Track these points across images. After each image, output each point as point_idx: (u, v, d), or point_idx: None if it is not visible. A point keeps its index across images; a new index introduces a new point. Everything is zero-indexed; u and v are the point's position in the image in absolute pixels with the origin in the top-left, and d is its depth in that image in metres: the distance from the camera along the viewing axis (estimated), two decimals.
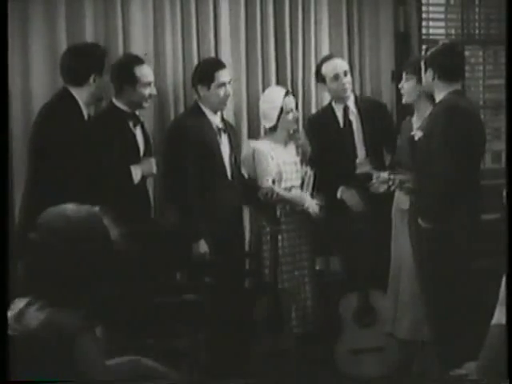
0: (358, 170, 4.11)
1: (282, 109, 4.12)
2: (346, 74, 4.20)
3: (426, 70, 3.66)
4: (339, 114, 4.25)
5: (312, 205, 4.11)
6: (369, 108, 4.25)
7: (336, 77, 4.17)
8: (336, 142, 4.22)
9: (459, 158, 3.51)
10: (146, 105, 3.85)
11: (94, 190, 3.39)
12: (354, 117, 4.24)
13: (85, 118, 3.58)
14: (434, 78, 3.63)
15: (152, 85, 3.84)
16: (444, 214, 3.53)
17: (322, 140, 4.24)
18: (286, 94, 4.14)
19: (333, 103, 4.28)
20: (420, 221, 3.56)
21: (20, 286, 2.07)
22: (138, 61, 3.85)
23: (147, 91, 3.80)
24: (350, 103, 4.26)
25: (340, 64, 4.22)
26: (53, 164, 3.40)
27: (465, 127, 3.55)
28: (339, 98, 4.24)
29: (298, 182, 4.18)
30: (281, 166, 4.15)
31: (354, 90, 4.32)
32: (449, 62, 3.66)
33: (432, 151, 3.52)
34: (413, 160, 3.72)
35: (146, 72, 3.82)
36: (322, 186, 4.21)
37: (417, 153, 3.68)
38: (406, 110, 4.11)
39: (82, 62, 3.56)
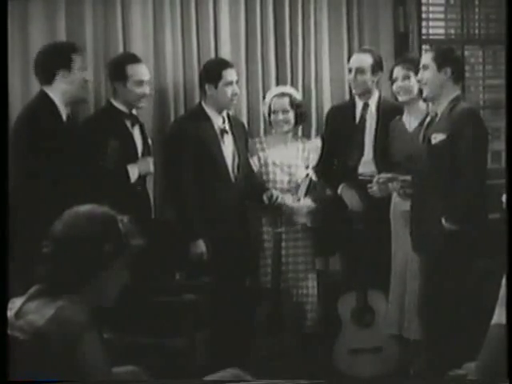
0: (361, 169, 4.11)
1: (269, 108, 4.14)
2: (365, 71, 4.12)
3: (441, 66, 3.62)
4: (358, 109, 4.22)
5: (303, 214, 4.12)
6: (388, 110, 4.15)
7: (359, 70, 4.13)
8: (347, 136, 4.19)
9: (485, 161, 3.58)
10: (141, 104, 3.83)
11: (87, 190, 3.40)
12: (370, 115, 4.19)
13: (63, 119, 3.52)
14: (450, 77, 3.61)
15: (144, 84, 3.80)
16: (473, 215, 3.52)
17: (335, 131, 4.24)
18: (280, 95, 4.15)
19: (356, 98, 4.24)
20: (444, 222, 3.54)
21: (21, 284, 2.08)
22: (131, 59, 3.85)
23: (139, 90, 3.79)
24: (372, 102, 4.20)
25: (363, 59, 4.15)
26: (32, 167, 3.36)
27: (486, 131, 3.64)
28: (358, 93, 4.19)
29: (287, 186, 4.17)
30: (269, 166, 4.16)
31: (379, 90, 4.25)
32: (461, 63, 3.72)
33: (457, 154, 3.51)
34: (428, 163, 3.66)
35: (137, 70, 3.80)
36: (325, 179, 4.23)
37: (434, 155, 3.60)
38: (390, 112, 4.08)
39: (46, 58, 3.52)
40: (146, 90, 3.82)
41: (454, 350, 3.39)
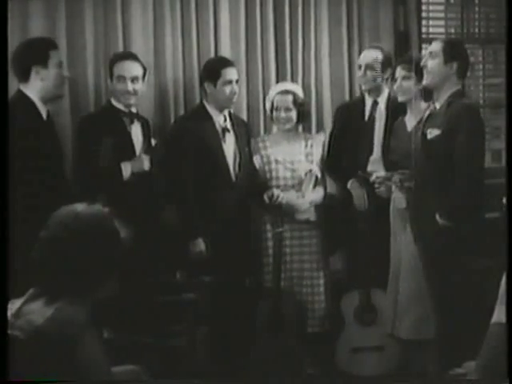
0: (370, 168, 4.10)
1: (272, 105, 4.14)
2: (374, 68, 4.11)
3: (448, 60, 3.60)
4: (367, 107, 4.19)
5: (307, 211, 4.12)
6: (397, 108, 4.10)
7: (368, 67, 4.11)
8: (356, 133, 4.18)
9: (481, 158, 3.56)
10: (131, 101, 3.82)
11: (82, 188, 3.40)
12: (378, 113, 4.16)
13: (43, 117, 3.48)
14: (455, 72, 3.60)
15: (127, 81, 3.78)
16: (468, 212, 3.51)
17: (344, 128, 4.23)
18: (283, 92, 4.14)
19: (365, 95, 4.22)
20: (438, 218, 3.53)
21: (22, 284, 2.08)
22: (120, 57, 3.86)
23: (120, 87, 3.78)
24: (381, 100, 4.18)
25: (373, 56, 4.13)
26: (20, 167, 3.24)
27: (483, 127, 3.62)
28: (367, 89, 4.17)
29: (291, 182, 4.16)
30: (272, 164, 4.16)
31: (389, 87, 4.20)
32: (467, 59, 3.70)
33: (453, 150, 3.51)
34: (423, 158, 3.65)
35: (123, 67, 3.80)
36: (333, 176, 4.23)
37: (429, 150, 3.60)
38: (398, 110, 4.06)
39: (22, 55, 3.46)
40: (128, 86, 3.79)
41: (454, 349, 3.39)
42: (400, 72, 3.94)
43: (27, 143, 3.31)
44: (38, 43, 3.55)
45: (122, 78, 3.79)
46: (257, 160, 4.17)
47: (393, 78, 4.05)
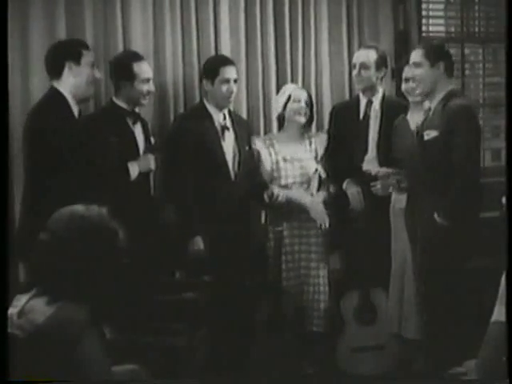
0: (365, 167, 4.10)
1: (289, 96, 4.14)
2: (369, 67, 4.11)
3: (434, 62, 3.61)
4: (362, 106, 4.20)
5: (320, 215, 4.12)
6: (391, 108, 4.12)
7: (363, 66, 4.11)
8: (351, 132, 4.18)
9: (478, 158, 3.57)
10: (144, 102, 3.85)
11: (92, 188, 3.40)
12: (373, 113, 4.16)
13: (75, 116, 3.54)
14: (444, 71, 3.60)
15: (150, 82, 3.84)
16: (464, 211, 3.51)
17: (340, 128, 4.23)
18: (300, 88, 4.21)
19: (360, 94, 4.22)
20: (436, 217, 3.53)
21: (23, 284, 2.09)
22: (137, 57, 3.86)
23: (145, 88, 3.80)
24: (376, 99, 4.18)
25: (368, 55, 4.14)
26: (47, 165, 3.36)
27: (479, 127, 3.64)
28: (362, 88, 4.17)
29: (300, 179, 4.17)
30: (280, 162, 4.16)
31: (383, 87, 4.23)
32: (451, 57, 3.71)
33: (450, 150, 3.51)
34: (421, 159, 3.66)
35: (144, 68, 3.82)
36: (331, 175, 4.22)
37: (427, 151, 3.62)
38: (398, 108, 4.06)
39: (55, 51, 3.55)
40: (151, 87, 3.85)
41: (454, 348, 3.39)
42: (408, 73, 3.91)
43: (61, 140, 3.38)
44: (72, 42, 3.66)
45: (147, 80, 3.82)
46: (265, 156, 4.16)
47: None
